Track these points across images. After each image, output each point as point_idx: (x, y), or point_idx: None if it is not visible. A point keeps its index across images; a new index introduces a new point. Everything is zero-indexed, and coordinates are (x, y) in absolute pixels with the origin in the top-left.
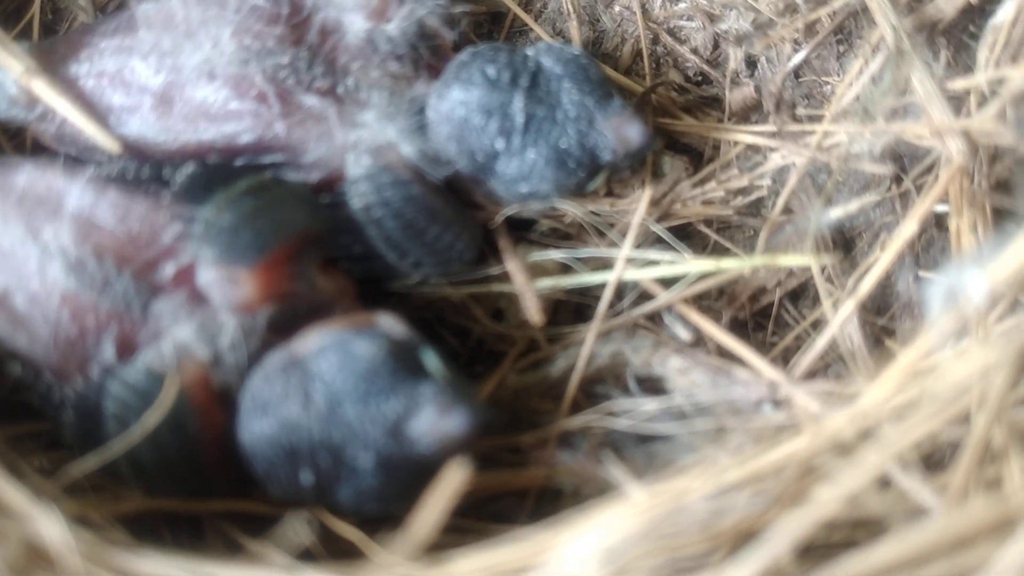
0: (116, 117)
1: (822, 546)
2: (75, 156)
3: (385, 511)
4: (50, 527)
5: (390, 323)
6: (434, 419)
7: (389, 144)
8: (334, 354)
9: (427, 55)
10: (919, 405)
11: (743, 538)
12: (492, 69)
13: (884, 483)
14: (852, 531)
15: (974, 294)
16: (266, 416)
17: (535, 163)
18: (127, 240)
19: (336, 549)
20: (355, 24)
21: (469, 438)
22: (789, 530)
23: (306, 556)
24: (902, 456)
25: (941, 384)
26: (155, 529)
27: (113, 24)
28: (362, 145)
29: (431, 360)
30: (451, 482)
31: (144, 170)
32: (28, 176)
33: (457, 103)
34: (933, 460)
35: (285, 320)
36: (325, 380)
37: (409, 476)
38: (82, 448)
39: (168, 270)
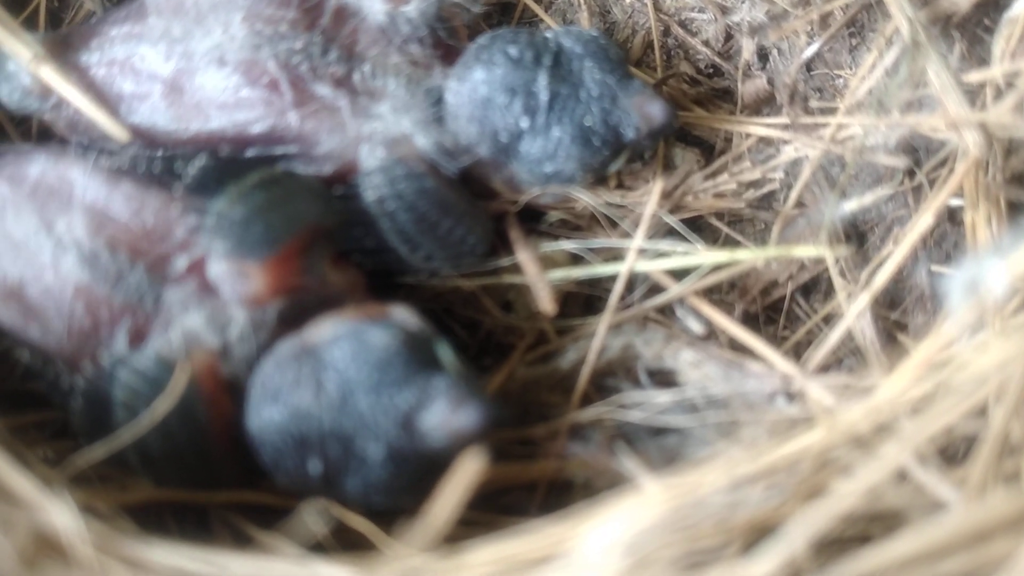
0: (127, 105)
1: (837, 540)
2: (87, 145)
3: (392, 504)
4: (61, 516)
5: (404, 315)
6: (446, 413)
7: (404, 136)
8: (348, 343)
9: (444, 36)
10: (936, 398)
11: (759, 532)
12: (514, 49)
13: (901, 477)
14: (867, 525)
15: (995, 285)
16: (276, 403)
17: (560, 141)
18: (141, 233)
19: (347, 541)
20: (375, 7)
21: (481, 433)
22: (806, 524)
23: (317, 548)
24: (919, 450)
25: (959, 377)
26: (161, 520)
27: (123, 12)
28: (376, 137)
29: (445, 353)
30: (467, 473)
31: (156, 162)
32: (41, 167)
33: (480, 83)
34: (948, 454)
35: (295, 313)
36: (338, 369)
37: (418, 469)
38: (90, 436)
39: (181, 263)
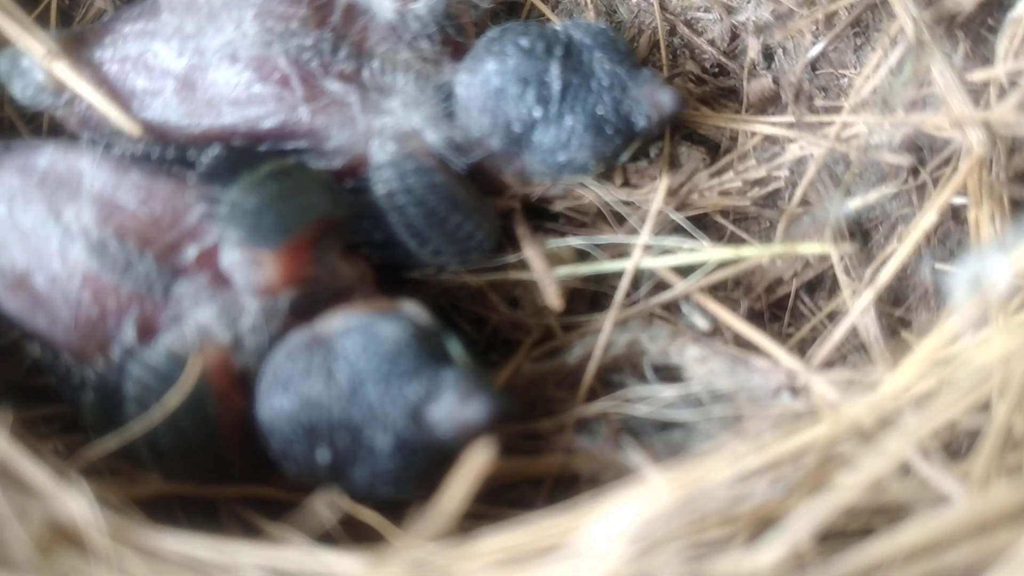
0: (139, 101)
1: (841, 533)
2: (99, 141)
3: (398, 496)
4: (77, 505)
5: (414, 310)
6: (455, 405)
7: (414, 131)
8: (359, 334)
9: (452, 33)
10: (940, 393)
11: (764, 524)
12: (525, 40)
13: (904, 471)
14: (871, 518)
15: (998, 281)
16: (287, 392)
17: (573, 130)
18: (149, 221)
19: (356, 533)
20: (384, 4)
21: (488, 426)
22: (810, 516)
23: (325, 539)
24: (923, 443)
25: (962, 372)
26: (170, 513)
27: (136, 9)
28: (387, 132)
29: (455, 347)
30: (475, 464)
31: (168, 151)
32: (49, 157)
33: (492, 73)
34: (952, 448)
35: (306, 305)
36: (349, 359)
37: (425, 461)
38: (101, 430)
39: (191, 252)
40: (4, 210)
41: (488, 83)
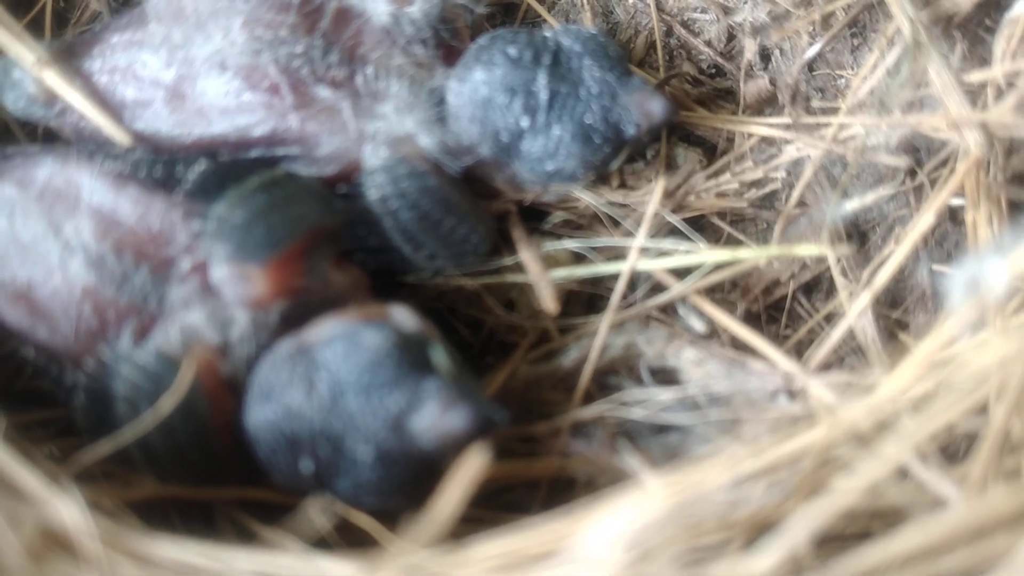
0: (130, 112)
1: (838, 537)
2: (93, 150)
3: (382, 506)
4: (69, 511)
5: (403, 316)
6: (436, 415)
7: (407, 136)
8: (341, 344)
9: (447, 37)
10: (937, 396)
11: (761, 528)
12: (513, 49)
13: (901, 474)
14: (869, 522)
15: (995, 284)
16: (269, 402)
17: (561, 139)
18: (146, 237)
19: (350, 538)
20: (379, 8)
21: (471, 436)
22: (808, 520)
23: (320, 544)
24: (920, 447)
25: (959, 375)
26: (165, 516)
27: (124, 19)
28: (380, 136)
29: (439, 356)
30: (470, 469)
31: (157, 168)
32: (48, 170)
33: (480, 83)
34: (949, 452)
35: (298, 314)
36: (330, 369)
37: (408, 472)
38: (92, 431)
39: (185, 265)
40: (4, 223)
41: (476, 92)
